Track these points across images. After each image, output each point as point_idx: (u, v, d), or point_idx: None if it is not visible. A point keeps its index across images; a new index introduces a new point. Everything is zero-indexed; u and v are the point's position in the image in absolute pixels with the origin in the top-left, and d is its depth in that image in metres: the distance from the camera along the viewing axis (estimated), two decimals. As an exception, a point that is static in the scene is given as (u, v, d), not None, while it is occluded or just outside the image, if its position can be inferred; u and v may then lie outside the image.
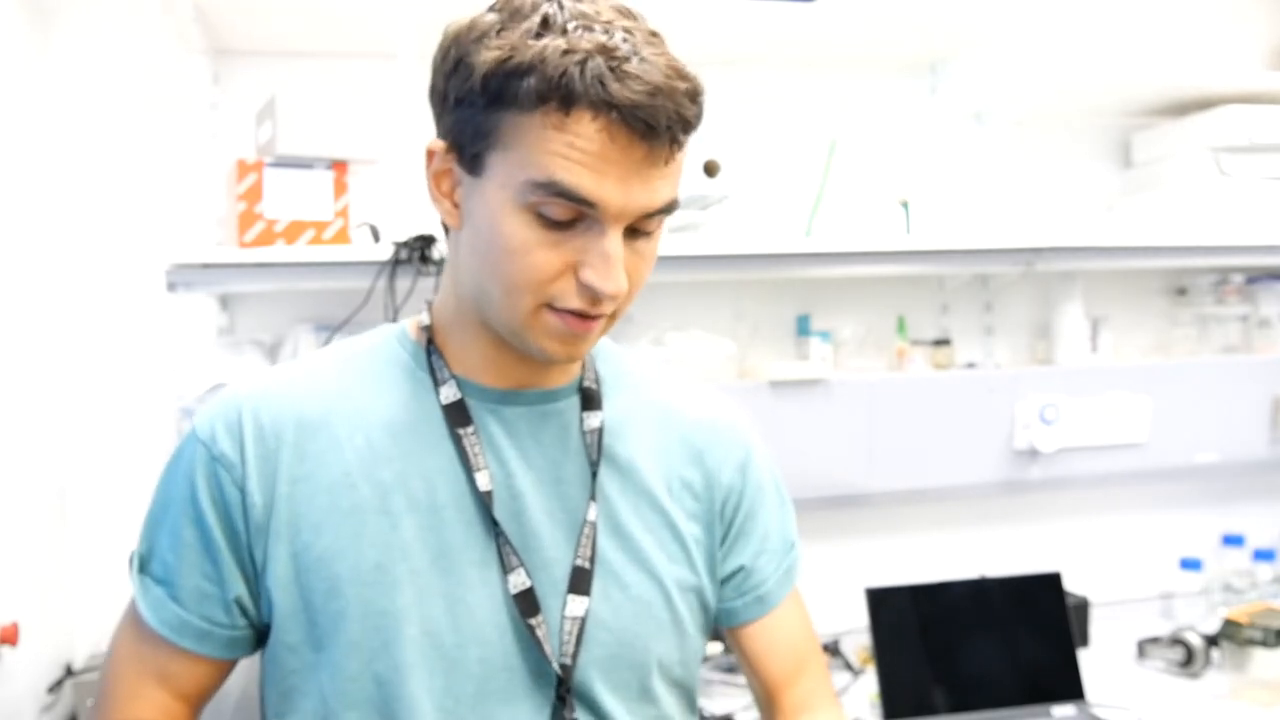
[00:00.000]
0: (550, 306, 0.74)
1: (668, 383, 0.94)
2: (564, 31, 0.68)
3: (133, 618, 0.82)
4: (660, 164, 0.71)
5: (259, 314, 1.78)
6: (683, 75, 0.70)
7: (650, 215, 0.73)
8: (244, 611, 0.80)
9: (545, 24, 0.69)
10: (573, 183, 0.68)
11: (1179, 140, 2.04)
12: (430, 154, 0.78)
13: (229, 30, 1.68)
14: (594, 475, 0.84)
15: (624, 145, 0.68)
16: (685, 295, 1.96)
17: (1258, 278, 2.15)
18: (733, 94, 1.97)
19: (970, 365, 2.10)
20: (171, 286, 1.51)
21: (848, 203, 1.88)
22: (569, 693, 0.80)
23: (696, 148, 1.70)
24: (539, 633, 0.79)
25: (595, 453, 0.84)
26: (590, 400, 0.86)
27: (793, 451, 1.82)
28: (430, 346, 0.83)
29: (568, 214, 0.70)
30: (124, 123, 1.72)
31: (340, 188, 1.56)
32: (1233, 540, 2.11)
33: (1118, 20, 2.07)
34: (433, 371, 0.82)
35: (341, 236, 1.56)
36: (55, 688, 1.58)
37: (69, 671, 1.63)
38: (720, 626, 0.94)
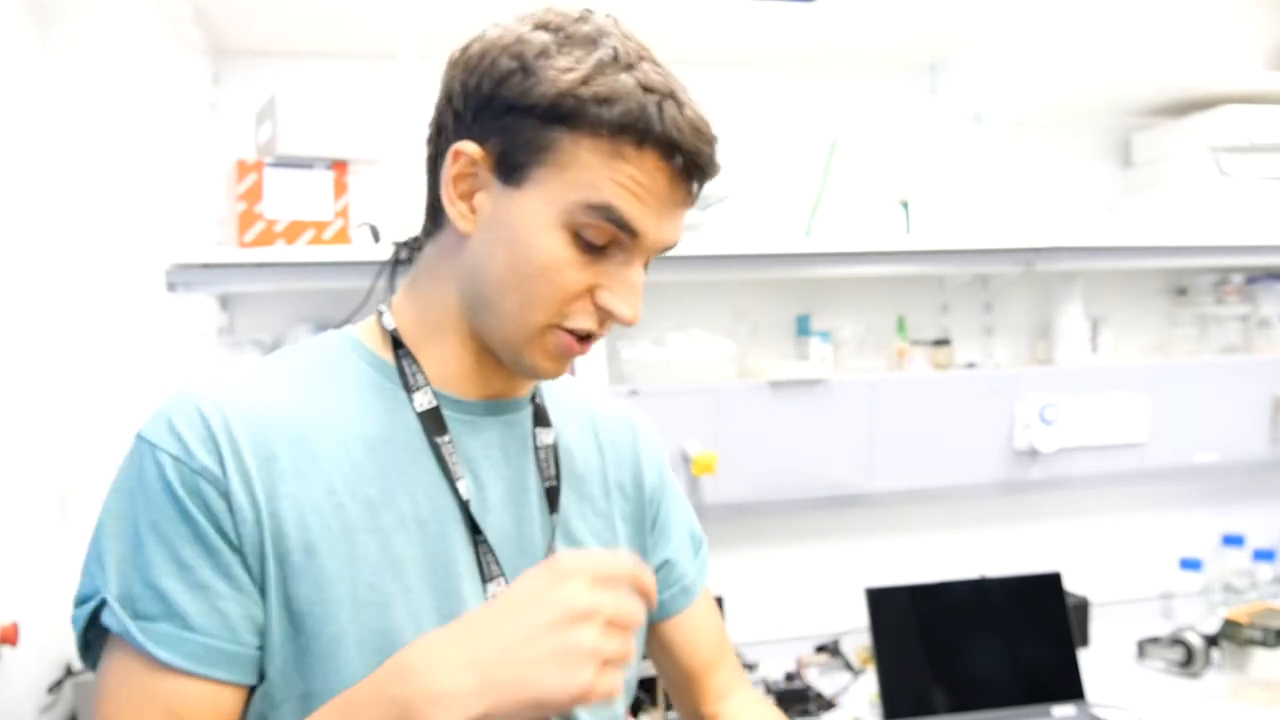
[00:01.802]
0: (559, 326, 0.75)
1: (580, 386, 0.97)
2: (632, 66, 0.72)
3: (124, 669, 0.70)
4: (688, 204, 0.76)
5: (259, 314, 1.79)
6: (706, 120, 0.75)
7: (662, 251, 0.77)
8: (258, 628, 0.73)
9: (616, 57, 0.72)
10: (627, 212, 0.72)
11: (1179, 140, 2.04)
12: (457, 154, 0.75)
13: (229, 30, 1.68)
14: (552, 490, 0.85)
15: (674, 185, 0.73)
16: (685, 295, 1.96)
17: (1258, 278, 2.15)
18: (733, 94, 1.97)
19: (970, 365, 2.10)
20: (171, 286, 1.51)
21: (848, 203, 1.88)
22: None
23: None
24: None
25: (552, 468, 0.85)
26: (541, 417, 0.87)
27: (793, 451, 1.82)
28: (400, 352, 0.80)
29: (605, 239, 0.73)
30: (124, 123, 1.72)
31: (340, 188, 1.56)
32: (1233, 540, 2.11)
33: (1117, 20, 2.07)
34: (404, 378, 0.79)
35: (341, 236, 1.56)
36: (55, 688, 1.58)
37: (69, 671, 1.63)
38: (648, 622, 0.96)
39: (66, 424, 1.70)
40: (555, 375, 0.79)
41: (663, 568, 0.95)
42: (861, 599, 1.67)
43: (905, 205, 1.88)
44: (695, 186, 0.75)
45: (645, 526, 0.93)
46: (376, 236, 1.62)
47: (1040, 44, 1.91)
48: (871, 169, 2.02)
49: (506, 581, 0.79)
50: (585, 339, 0.77)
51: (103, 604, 0.70)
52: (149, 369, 1.74)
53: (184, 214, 1.74)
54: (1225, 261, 2.04)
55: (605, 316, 0.75)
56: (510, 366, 0.79)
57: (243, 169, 1.52)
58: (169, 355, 1.74)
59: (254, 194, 1.52)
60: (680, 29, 1.75)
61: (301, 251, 1.52)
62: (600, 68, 0.71)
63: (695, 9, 1.68)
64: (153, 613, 0.69)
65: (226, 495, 0.70)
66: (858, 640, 1.89)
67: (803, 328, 1.99)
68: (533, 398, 0.87)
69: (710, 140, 0.74)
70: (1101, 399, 1.97)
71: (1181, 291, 2.23)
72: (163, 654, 0.68)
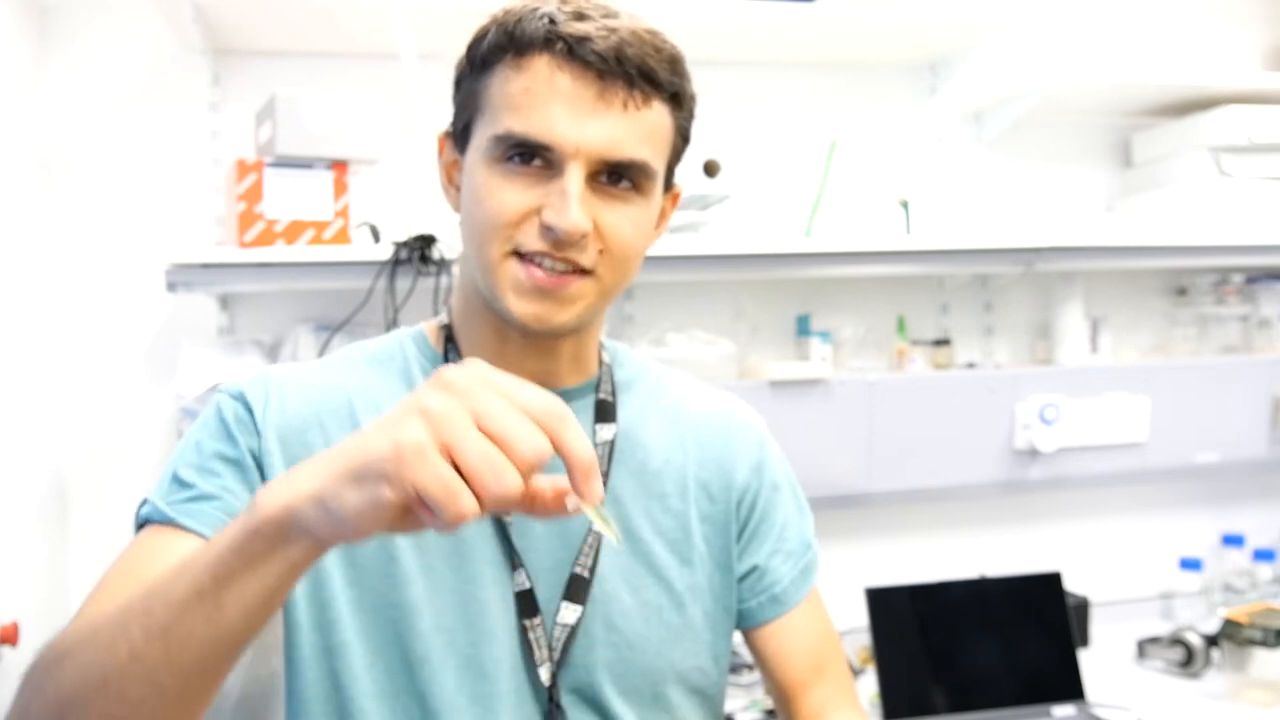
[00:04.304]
0: (517, 255, 0.75)
1: (681, 385, 0.95)
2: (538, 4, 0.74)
3: (147, 539, 0.74)
4: (617, 105, 0.72)
5: (259, 314, 1.78)
6: (654, 34, 0.74)
7: (616, 166, 0.74)
8: None
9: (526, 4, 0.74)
10: (524, 129, 0.72)
11: (1179, 140, 2.04)
12: (440, 144, 0.82)
13: (229, 30, 1.68)
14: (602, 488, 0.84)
15: (574, 77, 0.71)
16: (685, 295, 1.95)
17: (1258, 278, 2.15)
18: (733, 94, 1.97)
19: (970, 365, 2.10)
20: (171, 286, 1.51)
21: (848, 203, 1.88)
22: (555, 700, 0.80)
23: (697, 148, 1.71)
24: (530, 635, 0.79)
25: (605, 465, 0.84)
26: (604, 412, 0.86)
27: (793, 451, 1.79)
28: (449, 345, 0.85)
29: (529, 157, 0.74)
30: (124, 123, 1.72)
31: (340, 188, 1.56)
32: (1233, 540, 2.11)
33: (1117, 20, 2.07)
34: None
35: (341, 236, 1.56)
36: (55, 688, 1.58)
37: (69, 671, 1.63)
38: (738, 629, 0.93)
39: (67, 424, 1.70)
40: (538, 321, 0.76)
41: (751, 574, 0.91)
42: (861, 599, 1.67)
43: (905, 205, 1.88)
44: (615, 78, 0.72)
45: (730, 530, 0.90)
46: (376, 236, 1.62)
47: (1040, 44, 1.91)
48: (871, 169, 2.03)
49: (527, 574, 0.80)
50: (554, 274, 0.74)
51: (144, 505, 0.77)
52: (149, 369, 1.74)
53: (184, 214, 1.74)
54: (1225, 261, 2.04)
55: (547, 232, 0.73)
56: (504, 318, 0.77)
57: (243, 169, 1.52)
58: (169, 355, 1.74)
59: (254, 194, 1.52)
60: (681, 29, 1.74)
61: (301, 251, 1.52)
62: (500, 13, 0.75)
63: (695, 9, 1.68)
64: (182, 498, 0.76)
65: (260, 436, 0.78)
66: (857, 640, 1.88)
67: (803, 328, 1.99)
68: (596, 391, 0.87)
69: (621, 34, 0.71)
70: (1101, 399, 1.97)
71: (1181, 291, 2.23)
72: (188, 520, 0.74)
